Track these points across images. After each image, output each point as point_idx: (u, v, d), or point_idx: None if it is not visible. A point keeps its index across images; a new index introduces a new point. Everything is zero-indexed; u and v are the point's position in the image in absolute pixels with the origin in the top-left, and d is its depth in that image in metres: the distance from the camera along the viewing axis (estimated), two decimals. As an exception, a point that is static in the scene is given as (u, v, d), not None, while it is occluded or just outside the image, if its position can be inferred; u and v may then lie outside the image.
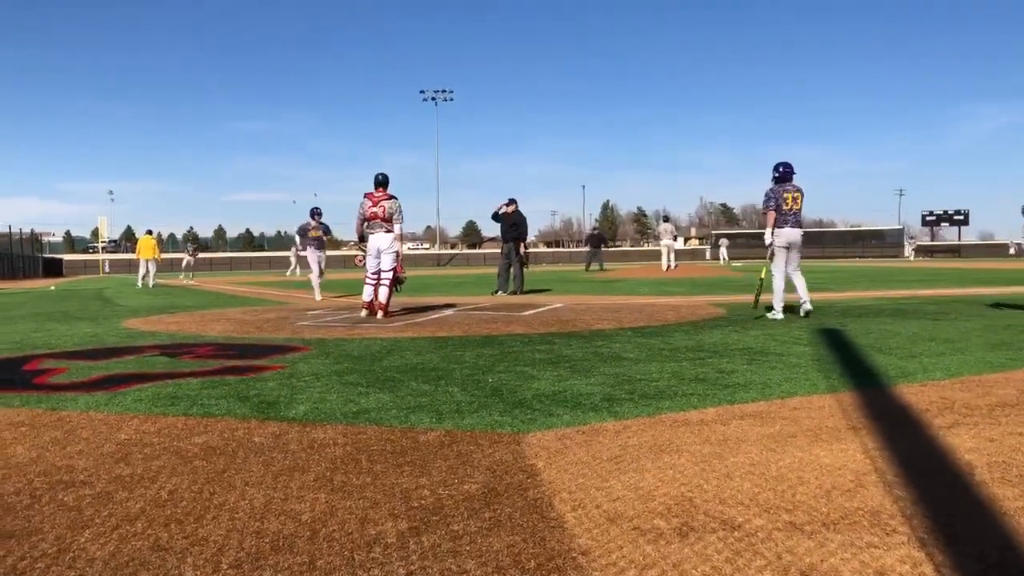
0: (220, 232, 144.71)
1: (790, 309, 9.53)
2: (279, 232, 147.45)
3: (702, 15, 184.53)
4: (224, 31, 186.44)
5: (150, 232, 27.27)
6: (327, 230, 16.85)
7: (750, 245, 61.52)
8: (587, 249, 34.71)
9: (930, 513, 2.60)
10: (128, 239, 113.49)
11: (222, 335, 8.73)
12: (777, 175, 9.52)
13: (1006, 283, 17.76)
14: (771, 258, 9.62)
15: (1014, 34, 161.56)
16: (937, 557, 2.24)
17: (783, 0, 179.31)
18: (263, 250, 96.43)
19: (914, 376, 5.24)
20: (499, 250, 16.73)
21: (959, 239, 74.79)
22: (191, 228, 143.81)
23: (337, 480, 3.08)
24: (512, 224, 16.13)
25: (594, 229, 34.37)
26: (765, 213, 9.56)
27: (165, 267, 27.93)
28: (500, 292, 15.85)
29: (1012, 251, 54.46)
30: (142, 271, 26.16)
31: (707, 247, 76.25)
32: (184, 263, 37.96)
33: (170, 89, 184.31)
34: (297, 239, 19.34)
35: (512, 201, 16.16)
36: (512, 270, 15.99)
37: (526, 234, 16.45)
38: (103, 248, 54.51)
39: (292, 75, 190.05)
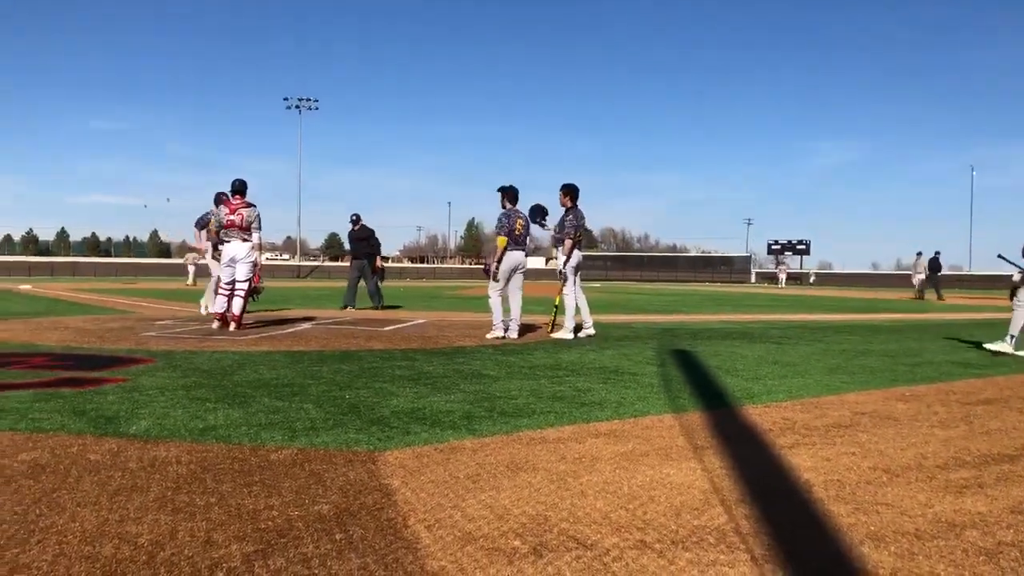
0: (63, 235, 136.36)
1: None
2: (128, 237, 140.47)
3: (567, 37, 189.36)
4: (76, 25, 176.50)
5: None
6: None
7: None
8: (924, 274, 30.28)
9: (772, 530, 2.71)
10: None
11: (59, 344, 8.16)
12: (574, 199, 9.83)
13: (836, 310, 19.01)
14: (565, 281, 9.91)
15: (850, 76, 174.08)
16: (777, 573, 2.34)
17: (644, 34, 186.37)
18: (110, 255, 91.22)
19: (759, 397, 5.50)
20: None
21: (801, 267, 79.37)
22: (31, 230, 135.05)
23: (179, 500, 2.91)
24: (359, 239, 16.01)
25: (937, 253, 30.12)
26: (566, 239, 9.74)
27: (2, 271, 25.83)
28: (349, 307, 15.60)
29: (811, 279, 64.88)
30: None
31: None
32: None
33: (10, 79, 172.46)
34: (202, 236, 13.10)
35: (356, 218, 16.09)
36: (368, 285, 15.83)
37: (379, 247, 16.37)
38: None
39: (148, 74, 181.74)
